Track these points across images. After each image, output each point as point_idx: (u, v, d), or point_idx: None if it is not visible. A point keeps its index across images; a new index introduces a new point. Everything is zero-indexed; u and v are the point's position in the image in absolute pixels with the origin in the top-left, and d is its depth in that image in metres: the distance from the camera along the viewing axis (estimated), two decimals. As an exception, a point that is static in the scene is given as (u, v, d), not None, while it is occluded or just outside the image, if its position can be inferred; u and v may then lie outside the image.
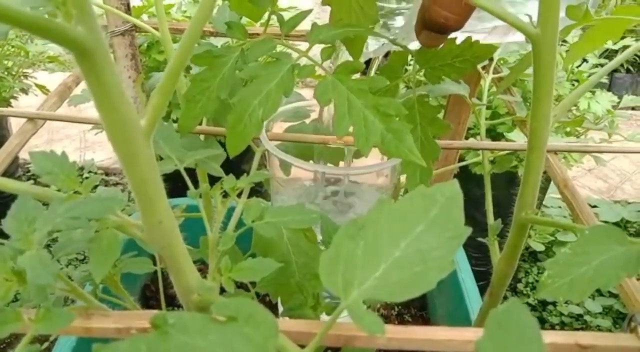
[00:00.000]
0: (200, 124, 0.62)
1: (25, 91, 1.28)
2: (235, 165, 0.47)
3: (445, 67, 0.47)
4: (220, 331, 0.22)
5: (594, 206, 1.65)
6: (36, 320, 0.27)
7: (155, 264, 0.51)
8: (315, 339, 0.26)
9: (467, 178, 0.90)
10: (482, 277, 1.25)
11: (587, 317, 1.29)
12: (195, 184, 0.44)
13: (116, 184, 1.81)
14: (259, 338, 0.22)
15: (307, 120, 0.58)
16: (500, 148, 0.64)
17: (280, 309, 0.45)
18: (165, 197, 0.31)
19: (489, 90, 0.65)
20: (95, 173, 1.82)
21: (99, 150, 2.02)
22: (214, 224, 0.41)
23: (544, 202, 1.37)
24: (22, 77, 1.28)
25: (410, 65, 0.50)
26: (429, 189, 0.30)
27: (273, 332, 0.23)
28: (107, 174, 1.86)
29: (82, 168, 1.82)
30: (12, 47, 1.24)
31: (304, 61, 0.42)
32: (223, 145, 0.47)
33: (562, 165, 0.51)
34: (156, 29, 0.57)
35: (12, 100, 1.25)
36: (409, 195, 0.30)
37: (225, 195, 0.42)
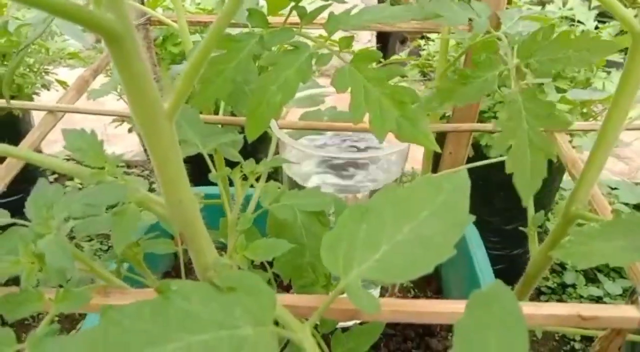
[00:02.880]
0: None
1: (46, 87, 1.31)
2: (251, 155, 0.48)
3: (557, 62, 0.43)
4: (221, 300, 0.24)
5: (614, 188, 1.60)
6: (56, 300, 0.30)
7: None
8: (316, 313, 0.27)
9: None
10: (499, 261, 1.24)
11: (606, 300, 1.26)
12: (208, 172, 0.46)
13: (137, 176, 1.85)
14: (257, 309, 0.24)
15: (322, 107, 0.59)
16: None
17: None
18: (186, 177, 0.33)
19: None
20: (117, 166, 1.86)
21: (120, 144, 2.05)
22: (233, 206, 0.43)
23: (561, 185, 1.34)
24: (43, 74, 1.32)
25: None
26: (436, 177, 0.31)
27: (271, 304, 0.24)
28: (128, 167, 1.90)
29: (103, 161, 1.86)
30: (33, 44, 1.28)
31: (322, 50, 0.43)
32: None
33: (570, 145, 0.51)
34: (173, 21, 0.59)
35: (34, 96, 1.29)
36: (415, 182, 0.31)
37: (245, 178, 0.43)
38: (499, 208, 1.14)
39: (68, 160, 1.60)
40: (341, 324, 0.46)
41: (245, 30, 0.46)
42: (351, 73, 0.41)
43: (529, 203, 0.49)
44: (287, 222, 0.45)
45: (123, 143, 2.03)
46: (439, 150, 0.39)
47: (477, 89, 0.46)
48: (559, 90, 0.82)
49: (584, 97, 0.62)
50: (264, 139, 0.59)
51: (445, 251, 0.27)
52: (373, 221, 0.28)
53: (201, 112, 0.63)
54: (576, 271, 1.30)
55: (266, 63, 0.43)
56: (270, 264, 0.51)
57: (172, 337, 0.22)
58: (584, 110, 0.86)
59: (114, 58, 0.27)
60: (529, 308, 0.32)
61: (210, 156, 0.51)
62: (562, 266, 1.35)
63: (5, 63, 1.23)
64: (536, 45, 0.44)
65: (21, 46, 0.44)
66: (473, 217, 0.28)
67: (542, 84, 0.79)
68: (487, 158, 0.92)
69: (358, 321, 0.45)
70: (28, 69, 1.26)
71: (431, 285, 0.88)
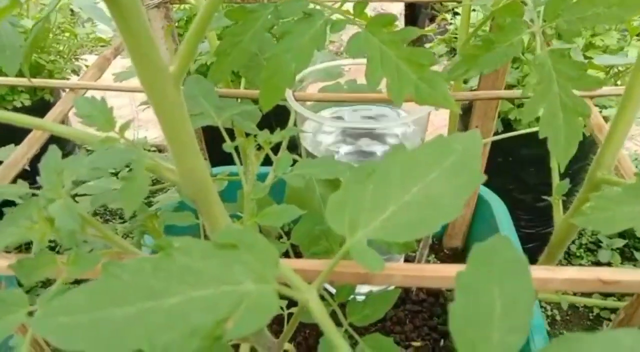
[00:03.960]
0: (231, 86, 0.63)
1: (76, 72, 1.34)
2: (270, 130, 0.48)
3: (585, 20, 0.41)
4: (222, 256, 0.23)
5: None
6: (67, 263, 0.30)
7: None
8: (322, 274, 0.27)
9: (514, 137, 0.87)
10: (530, 240, 1.22)
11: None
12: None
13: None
14: (259, 266, 0.24)
15: (342, 81, 0.58)
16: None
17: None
18: (196, 143, 0.33)
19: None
20: (149, 150, 1.89)
21: (152, 129, 2.08)
22: (249, 176, 0.43)
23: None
24: (73, 59, 1.34)
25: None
26: (447, 138, 0.30)
27: (273, 261, 0.24)
28: (159, 151, 1.93)
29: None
30: (62, 31, 1.30)
31: (336, 16, 0.43)
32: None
33: (596, 110, 0.49)
34: None
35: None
36: (426, 143, 0.30)
37: (259, 148, 0.43)
38: (530, 185, 1.12)
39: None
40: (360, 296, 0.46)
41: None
42: (366, 37, 0.40)
43: (553, 166, 0.47)
44: (305, 191, 0.45)
45: (155, 128, 2.06)
46: (458, 110, 0.38)
47: (502, 54, 0.44)
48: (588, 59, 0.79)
49: (612, 63, 0.59)
50: (284, 114, 0.59)
51: (454, 211, 0.26)
52: (380, 181, 0.28)
53: (220, 87, 0.64)
54: (612, 249, 1.26)
55: (280, 32, 0.43)
56: (289, 235, 0.51)
57: (173, 292, 0.22)
58: (618, 82, 0.83)
59: (115, 19, 0.27)
60: (546, 272, 0.31)
61: (231, 132, 0.51)
62: (597, 244, 1.31)
63: (37, 50, 1.25)
64: (563, 5, 0.42)
65: (43, 12, 0.44)
66: (484, 177, 0.27)
67: (570, 49, 0.76)
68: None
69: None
70: (58, 56, 1.29)
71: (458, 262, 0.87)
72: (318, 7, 0.45)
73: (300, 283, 0.27)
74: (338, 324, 0.43)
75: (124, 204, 0.30)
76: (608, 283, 0.30)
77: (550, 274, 0.31)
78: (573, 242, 1.34)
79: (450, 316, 0.19)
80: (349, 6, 0.47)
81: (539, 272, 0.31)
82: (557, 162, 0.37)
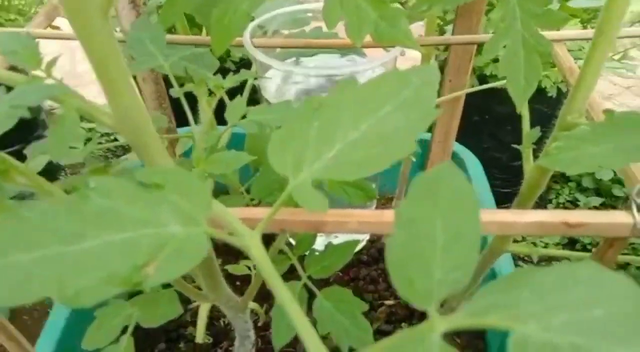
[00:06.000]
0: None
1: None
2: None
3: None
4: (146, 197, 0.21)
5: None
6: None
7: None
8: (263, 220, 0.25)
9: (490, 94, 0.84)
10: (507, 199, 1.21)
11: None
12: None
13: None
14: (189, 207, 0.21)
15: (308, 29, 0.55)
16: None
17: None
18: (131, 83, 0.30)
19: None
20: None
21: (92, 86, 2.02)
22: (201, 124, 0.41)
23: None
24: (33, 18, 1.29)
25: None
26: (403, 71, 0.28)
27: (205, 202, 0.22)
28: None
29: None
30: None
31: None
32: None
33: (568, 53, 0.47)
34: None
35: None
36: (379, 76, 0.27)
37: (211, 94, 0.41)
38: (506, 143, 1.10)
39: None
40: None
41: None
42: (325, -27, 0.37)
43: (523, 113, 0.45)
44: (265, 141, 0.43)
45: (96, 85, 1.99)
46: (419, 49, 0.36)
47: (468, -14, 0.42)
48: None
49: (588, 5, 0.57)
50: (249, 67, 0.56)
51: (406, 147, 0.24)
52: (327, 117, 0.25)
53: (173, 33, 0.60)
54: (588, 208, 1.26)
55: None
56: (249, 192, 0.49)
57: (88, 235, 0.20)
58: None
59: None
60: (510, 215, 0.29)
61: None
62: (575, 202, 1.31)
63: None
64: None
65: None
66: (439, 111, 0.25)
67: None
68: (494, 90, 0.87)
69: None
70: (18, 14, 1.23)
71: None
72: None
73: (241, 228, 0.24)
74: (298, 278, 0.42)
75: (50, 150, 0.27)
76: (574, 226, 0.28)
77: (514, 217, 0.29)
78: (550, 201, 1.34)
79: (386, 250, 0.17)
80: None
81: (503, 215, 0.29)
82: (516, 102, 0.35)
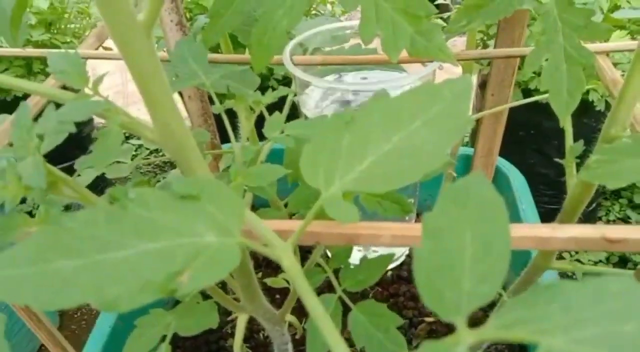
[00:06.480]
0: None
1: None
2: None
3: None
4: (182, 207, 0.22)
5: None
6: (36, 222, 0.29)
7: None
8: (296, 232, 0.25)
9: (535, 109, 0.83)
10: (554, 216, 1.17)
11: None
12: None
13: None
14: (223, 218, 0.22)
15: (347, 46, 0.56)
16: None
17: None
18: (172, 99, 0.31)
19: None
20: None
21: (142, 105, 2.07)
22: (240, 139, 0.42)
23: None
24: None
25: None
26: (435, 84, 0.28)
27: (239, 213, 0.22)
28: None
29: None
30: (78, 12, 1.29)
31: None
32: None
33: (612, 65, 0.46)
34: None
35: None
36: (411, 90, 0.28)
37: (252, 111, 0.42)
38: (553, 158, 1.08)
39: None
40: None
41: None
42: (359, -11, 0.38)
43: (566, 128, 0.44)
44: (300, 154, 0.43)
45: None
46: (454, 61, 0.36)
47: (506, 3, 0.41)
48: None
49: (633, 16, 0.54)
50: (290, 84, 0.57)
51: (436, 159, 0.24)
52: (359, 130, 0.26)
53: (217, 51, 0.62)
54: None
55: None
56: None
57: (126, 244, 0.21)
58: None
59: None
60: (547, 230, 0.28)
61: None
62: (626, 220, 1.26)
63: (53, 30, 1.26)
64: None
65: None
66: (472, 122, 0.25)
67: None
68: (540, 105, 0.86)
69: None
70: (73, 36, 1.29)
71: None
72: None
73: (274, 239, 0.25)
74: (333, 290, 0.42)
75: (95, 161, 0.28)
76: (614, 242, 0.27)
77: (551, 232, 0.28)
78: (600, 218, 1.29)
79: (414, 261, 0.17)
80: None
81: (540, 229, 0.29)
82: (559, 116, 0.34)
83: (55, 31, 1.26)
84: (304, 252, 0.62)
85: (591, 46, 0.49)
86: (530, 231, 0.28)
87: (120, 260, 0.20)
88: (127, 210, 0.21)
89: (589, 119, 1.02)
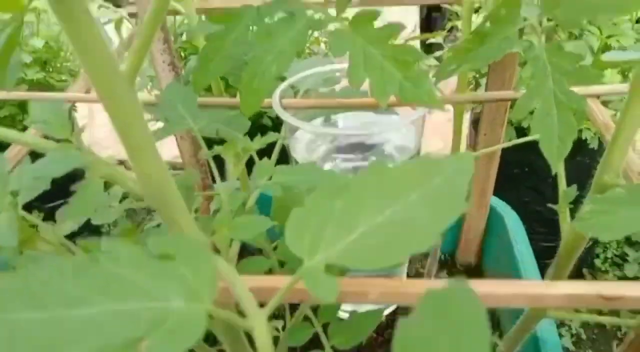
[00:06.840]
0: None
1: (88, 92, 1.34)
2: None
3: (585, 10, 0.37)
4: (154, 267, 0.21)
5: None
6: None
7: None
8: (276, 295, 0.24)
9: (529, 146, 0.82)
10: (548, 254, 1.16)
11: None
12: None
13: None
14: (195, 282, 0.21)
15: (338, 88, 0.55)
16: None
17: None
18: (155, 149, 0.31)
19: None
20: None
21: (165, 146, 2.06)
22: (228, 186, 0.41)
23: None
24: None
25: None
26: (438, 157, 0.27)
27: (210, 277, 0.21)
28: (174, 168, 1.91)
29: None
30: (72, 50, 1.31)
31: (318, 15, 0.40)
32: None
33: (603, 108, 0.45)
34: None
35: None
36: (410, 161, 0.27)
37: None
38: (547, 196, 1.07)
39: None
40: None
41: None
42: (349, 35, 0.38)
43: (559, 173, 0.44)
44: (291, 203, 0.42)
45: (168, 146, 2.04)
46: (441, 106, 0.36)
47: (495, 48, 0.41)
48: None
49: (623, 58, 0.54)
50: (279, 127, 0.56)
51: (429, 238, 0.22)
52: (351, 198, 0.24)
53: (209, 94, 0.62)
54: (639, 263, 1.19)
55: (261, 33, 0.41)
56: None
57: (92, 301, 0.20)
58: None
59: (59, 18, 0.25)
60: (538, 288, 0.27)
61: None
62: (623, 257, 1.25)
63: (48, 69, 1.26)
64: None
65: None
66: (468, 205, 0.24)
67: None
68: (534, 143, 0.85)
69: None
70: (69, 75, 1.29)
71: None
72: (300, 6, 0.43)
73: (248, 305, 0.23)
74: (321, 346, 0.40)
75: (70, 213, 0.28)
76: (610, 299, 0.26)
77: (543, 290, 0.27)
78: (597, 256, 1.28)
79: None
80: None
81: (531, 287, 0.27)
82: (551, 162, 0.34)
83: (50, 70, 1.26)
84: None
85: (582, 89, 0.48)
86: (523, 288, 0.27)
87: (83, 318, 0.19)
88: (97, 264, 0.20)
89: (583, 156, 1.02)
